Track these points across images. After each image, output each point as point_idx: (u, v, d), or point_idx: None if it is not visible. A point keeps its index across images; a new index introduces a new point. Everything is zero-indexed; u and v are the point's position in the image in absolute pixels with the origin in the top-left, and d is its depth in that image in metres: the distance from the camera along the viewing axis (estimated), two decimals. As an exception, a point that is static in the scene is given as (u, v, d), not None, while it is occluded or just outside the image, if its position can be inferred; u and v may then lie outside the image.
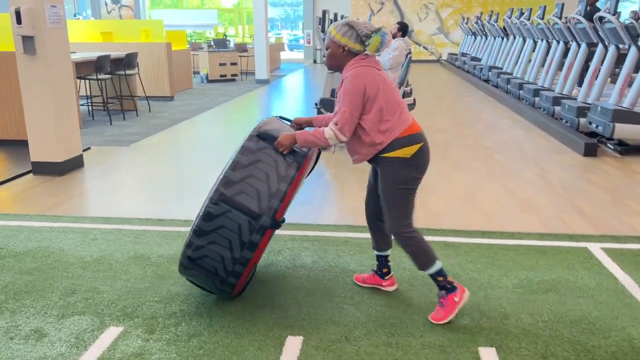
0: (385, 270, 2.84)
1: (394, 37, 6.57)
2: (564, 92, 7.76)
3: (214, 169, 5.16)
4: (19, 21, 4.64)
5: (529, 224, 3.83)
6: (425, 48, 21.15)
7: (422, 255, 2.53)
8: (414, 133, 2.47)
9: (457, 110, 9.03)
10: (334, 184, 4.79)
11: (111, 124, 7.63)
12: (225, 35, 17.88)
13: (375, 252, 2.83)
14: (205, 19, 21.83)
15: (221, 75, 13.46)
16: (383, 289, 2.85)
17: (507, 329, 2.49)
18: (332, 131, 2.42)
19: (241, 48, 14.79)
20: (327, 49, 2.53)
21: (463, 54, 16.13)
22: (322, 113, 5.97)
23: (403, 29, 6.53)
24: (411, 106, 6.01)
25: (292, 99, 10.65)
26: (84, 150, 5.62)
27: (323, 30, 6.32)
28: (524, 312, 2.64)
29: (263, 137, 2.52)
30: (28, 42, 4.74)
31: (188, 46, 13.08)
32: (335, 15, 7.74)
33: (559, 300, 2.76)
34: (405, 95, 6.20)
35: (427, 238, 3.50)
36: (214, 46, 13.52)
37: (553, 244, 3.47)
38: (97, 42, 10.23)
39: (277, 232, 3.61)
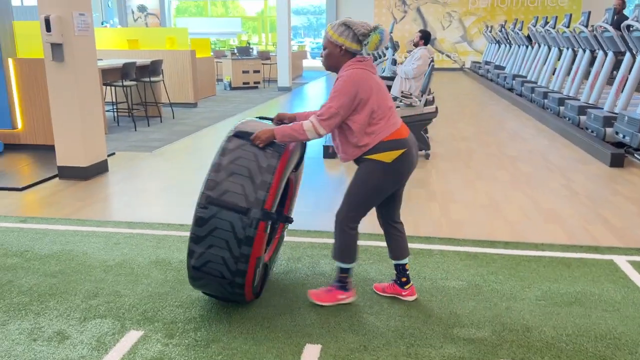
0: (404, 279, 2.81)
1: (417, 45, 6.55)
2: (589, 102, 7.62)
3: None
4: (48, 29, 4.76)
5: (554, 234, 3.76)
6: (448, 56, 21.03)
7: (346, 250, 2.62)
8: (400, 138, 2.50)
9: (480, 119, 8.94)
10: (354, 192, 4.77)
11: (136, 129, 7.75)
12: (249, 43, 18.05)
13: (393, 261, 2.81)
14: (230, 27, 22.10)
15: (244, 83, 13.59)
16: (403, 298, 2.83)
17: (529, 342, 2.45)
18: (311, 124, 2.43)
19: (264, 56, 14.92)
20: (324, 49, 2.53)
21: (486, 62, 15.99)
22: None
23: (426, 37, 6.51)
24: (433, 114, 5.97)
25: (313, 106, 10.68)
26: (108, 156, 5.71)
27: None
28: (547, 325, 2.58)
29: (240, 135, 2.53)
30: (57, 49, 4.85)
31: (212, 54, 13.24)
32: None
33: (584, 313, 2.69)
34: (428, 103, 6.17)
35: (449, 248, 3.47)
36: (237, 54, 13.66)
37: (578, 255, 3.39)
38: (124, 49, 10.43)
39: (297, 239, 3.62)
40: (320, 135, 2.46)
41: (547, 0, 19.56)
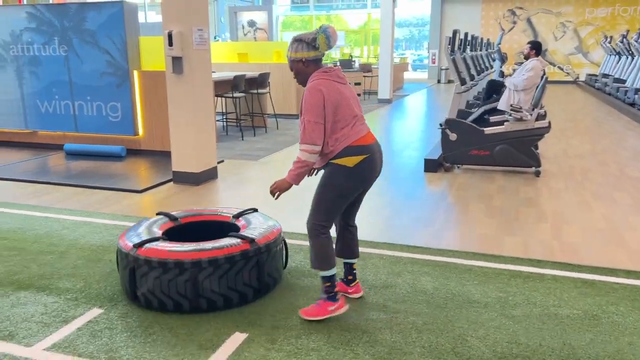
0: (350, 277, 2.97)
1: (527, 57, 6.24)
2: None
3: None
4: (170, 43, 5.13)
5: (685, 266, 3.37)
6: (561, 68, 19.85)
7: (321, 256, 2.65)
8: (363, 144, 2.59)
9: (596, 135, 8.31)
10: (456, 208, 4.63)
11: (243, 139, 8.11)
12: (351, 56, 18.28)
13: (342, 260, 2.94)
14: (333, 40, 22.52)
15: (345, 95, 13.73)
16: (349, 295, 2.96)
17: (657, 384, 2.20)
18: (302, 150, 2.56)
19: (365, 68, 15.00)
20: (291, 70, 2.69)
21: (604, 75, 14.87)
22: (447, 134, 5.83)
23: (536, 48, 6.19)
24: (545, 129, 5.64)
25: (413, 118, 10.54)
26: (218, 163, 6.02)
27: (453, 50, 6.19)
28: (680, 368, 2.31)
29: None
30: (177, 62, 5.22)
31: (315, 66, 13.55)
32: (466, 34, 7.54)
33: None
34: (539, 117, 5.84)
35: (562, 274, 3.24)
36: (339, 67, 13.85)
37: None
38: (234, 62, 10.98)
39: (397, 253, 3.57)
40: (317, 151, 2.57)
41: (677, 7, 17.84)
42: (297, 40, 2.63)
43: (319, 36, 2.57)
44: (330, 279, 2.70)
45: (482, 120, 6.55)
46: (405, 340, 2.53)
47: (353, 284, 2.99)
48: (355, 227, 2.93)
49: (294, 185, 2.65)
